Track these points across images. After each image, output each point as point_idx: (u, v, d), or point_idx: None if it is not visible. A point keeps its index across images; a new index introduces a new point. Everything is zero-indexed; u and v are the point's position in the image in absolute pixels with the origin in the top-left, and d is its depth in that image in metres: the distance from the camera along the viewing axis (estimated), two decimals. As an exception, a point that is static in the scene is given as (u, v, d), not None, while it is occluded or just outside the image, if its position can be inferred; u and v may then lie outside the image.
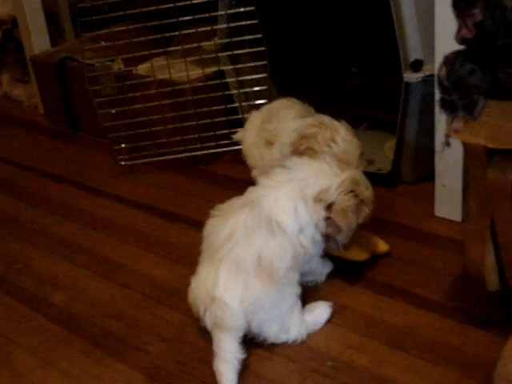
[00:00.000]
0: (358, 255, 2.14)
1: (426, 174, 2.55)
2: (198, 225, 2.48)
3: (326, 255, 2.09)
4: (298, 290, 1.89)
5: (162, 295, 2.16)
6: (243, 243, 1.82)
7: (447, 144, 1.54)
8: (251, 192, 2.01)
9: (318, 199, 1.91)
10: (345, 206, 1.92)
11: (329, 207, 1.91)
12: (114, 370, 1.88)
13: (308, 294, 2.01)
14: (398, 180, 2.63)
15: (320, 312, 1.95)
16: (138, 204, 2.72)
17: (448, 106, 1.47)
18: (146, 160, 2.95)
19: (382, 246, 2.20)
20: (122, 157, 2.97)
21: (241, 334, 1.78)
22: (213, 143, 2.91)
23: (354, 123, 2.98)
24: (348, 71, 3.37)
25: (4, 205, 2.88)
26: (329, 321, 1.96)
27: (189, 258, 2.29)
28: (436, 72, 1.60)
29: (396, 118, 2.50)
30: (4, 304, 2.23)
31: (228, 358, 1.73)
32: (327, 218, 1.91)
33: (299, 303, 1.89)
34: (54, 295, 2.24)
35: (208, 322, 1.78)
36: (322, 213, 1.91)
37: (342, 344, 1.87)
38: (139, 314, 2.10)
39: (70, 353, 1.97)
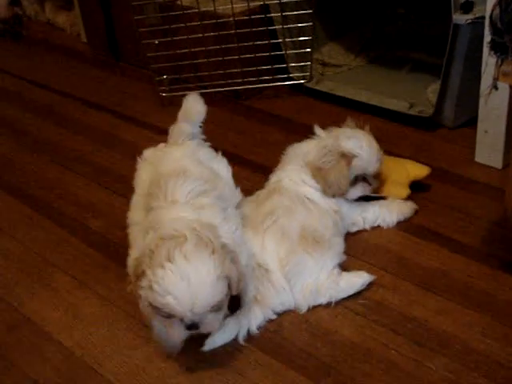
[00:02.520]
0: (398, 193, 2.14)
1: (468, 119, 2.52)
2: (236, 159, 2.51)
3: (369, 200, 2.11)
4: (338, 259, 1.90)
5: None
6: (285, 216, 1.88)
7: (495, 87, 1.51)
8: (271, 179, 2.08)
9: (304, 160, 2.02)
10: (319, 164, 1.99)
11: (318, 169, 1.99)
12: (150, 296, 1.92)
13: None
14: (439, 124, 2.60)
15: (357, 281, 1.87)
16: (178, 136, 2.72)
17: (498, 49, 1.44)
18: (187, 92, 2.92)
19: (422, 171, 2.19)
20: (163, 88, 2.97)
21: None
22: (254, 78, 2.89)
23: (397, 65, 2.98)
24: (395, 11, 3.30)
25: (46, 131, 2.91)
26: (361, 259, 1.98)
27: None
28: (488, 13, 1.56)
29: (440, 61, 2.46)
30: (44, 228, 2.28)
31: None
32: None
33: (337, 270, 1.87)
34: (92, 221, 2.28)
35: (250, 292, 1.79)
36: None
37: (375, 283, 1.88)
38: (175, 243, 2.13)
39: (107, 278, 2.01)
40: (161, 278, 1.50)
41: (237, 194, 1.97)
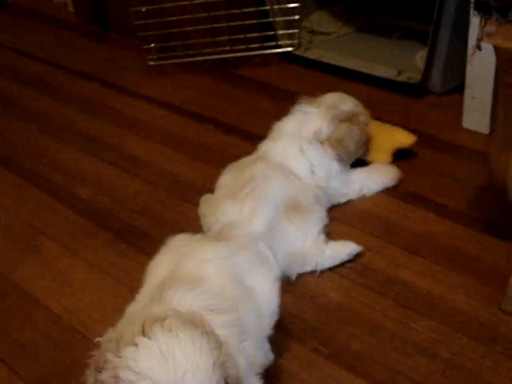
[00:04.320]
0: (379, 159, 2.15)
1: (456, 85, 2.51)
2: (224, 126, 2.52)
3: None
4: (321, 224, 1.90)
5: (186, 192, 2.19)
6: (265, 184, 1.87)
7: (478, 48, 1.51)
8: (259, 149, 2.04)
9: (318, 138, 1.99)
10: (339, 135, 1.99)
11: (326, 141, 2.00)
12: (137, 262, 1.92)
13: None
14: (426, 90, 2.60)
15: (342, 250, 1.86)
16: (166, 104, 2.73)
17: (482, 8, 1.43)
18: (175, 61, 2.93)
19: (407, 139, 2.20)
20: (151, 57, 2.95)
21: None
22: (243, 46, 2.88)
23: (386, 32, 2.97)
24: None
25: (33, 101, 2.90)
26: (348, 224, 1.99)
27: (213, 158, 2.33)
28: (472, -27, 1.55)
29: (429, 28, 2.45)
30: (33, 196, 2.28)
31: None
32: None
33: (322, 238, 1.87)
34: (80, 189, 2.28)
35: None
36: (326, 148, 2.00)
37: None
38: (163, 209, 2.14)
39: (95, 244, 2.02)
40: (131, 360, 1.08)
41: (267, 325, 1.48)
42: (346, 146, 2.00)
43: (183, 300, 1.29)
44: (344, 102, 2.05)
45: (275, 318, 1.50)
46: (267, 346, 1.49)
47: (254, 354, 1.37)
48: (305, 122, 2.03)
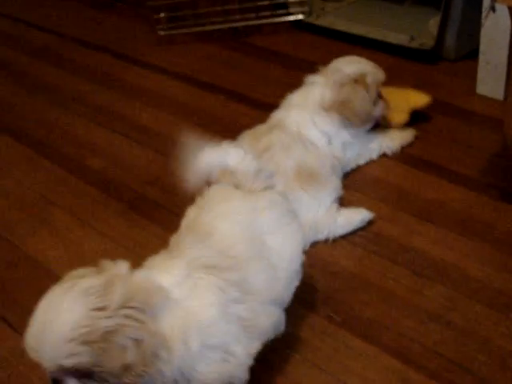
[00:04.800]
0: (397, 118, 2.14)
1: (470, 51, 2.48)
2: (235, 96, 2.50)
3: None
4: (336, 195, 1.88)
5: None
6: (282, 153, 1.85)
7: (493, 9, 1.48)
8: (273, 117, 2.01)
9: (323, 105, 1.96)
10: (342, 98, 1.95)
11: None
12: (150, 232, 1.93)
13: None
14: (440, 56, 2.56)
15: (355, 217, 1.85)
16: (176, 74, 2.71)
17: (496, -31, 1.41)
18: (185, 30, 2.91)
19: (423, 99, 2.18)
20: (160, 26, 2.93)
21: None
22: (253, 14, 2.85)
23: (399, -1, 2.93)
24: None
25: (43, 73, 2.89)
26: (360, 192, 1.97)
27: (225, 127, 2.31)
28: None
29: (443, -7, 2.42)
30: (44, 167, 2.28)
31: None
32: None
33: (335, 206, 1.86)
34: (91, 160, 2.28)
35: None
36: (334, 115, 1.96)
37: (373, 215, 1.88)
38: (175, 180, 2.10)
39: (106, 215, 2.02)
40: None
41: (283, 288, 1.44)
42: (351, 107, 1.96)
43: (190, 253, 1.31)
44: (349, 65, 2.01)
45: (296, 282, 1.48)
46: (280, 316, 1.47)
47: (253, 317, 1.32)
48: (311, 93, 2.01)
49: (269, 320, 1.39)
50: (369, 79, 1.99)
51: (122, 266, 1.24)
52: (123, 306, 1.12)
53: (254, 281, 1.34)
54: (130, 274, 1.22)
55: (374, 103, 2.02)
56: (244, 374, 1.31)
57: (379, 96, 2.04)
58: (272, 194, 1.49)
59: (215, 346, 1.23)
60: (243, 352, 1.29)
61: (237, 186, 1.47)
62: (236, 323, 1.29)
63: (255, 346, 1.34)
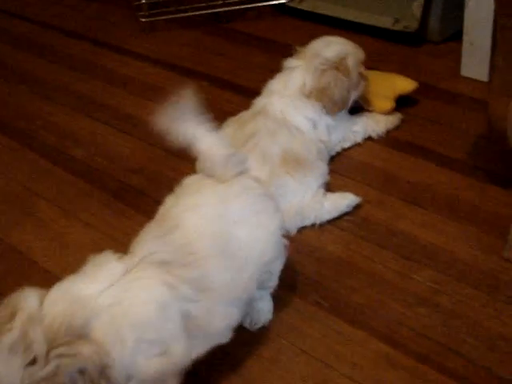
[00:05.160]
0: (382, 105, 2.11)
1: (454, 32, 2.47)
2: (219, 82, 2.48)
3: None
4: (322, 180, 1.87)
5: (183, 151, 2.14)
6: (267, 139, 1.84)
7: (476, -11, 1.47)
8: (256, 104, 1.98)
9: (303, 93, 1.93)
10: (322, 85, 1.92)
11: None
12: (135, 221, 1.91)
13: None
14: (424, 39, 2.55)
15: (341, 201, 1.84)
16: (159, 61, 2.69)
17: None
18: (167, 17, 2.88)
19: (409, 85, 2.17)
20: (142, 13, 2.90)
21: None
22: (236, 0, 2.83)
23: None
24: None
25: (24, 62, 2.86)
26: (346, 176, 1.97)
27: (210, 114, 2.29)
28: None
29: (427, -26, 2.41)
30: (27, 158, 2.25)
31: None
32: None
33: (322, 191, 1.85)
34: (75, 150, 2.25)
35: None
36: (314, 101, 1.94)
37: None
38: (159, 168, 2.11)
39: (91, 205, 2.00)
40: None
41: (251, 282, 1.37)
42: (329, 94, 1.93)
43: (147, 248, 1.29)
44: (328, 47, 1.97)
45: (271, 274, 1.45)
46: (267, 304, 1.45)
47: (206, 317, 1.27)
48: (291, 79, 1.98)
49: (224, 321, 1.33)
50: (349, 61, 1.97)
51: (31, 300, 1.17)
52: (51, 348, 1.08)
53: (214, 279, 1.28)
54: (41, 307, 1.15)
55: (356, 85, 2.01)
56: (177, 376, 1.25)
57: (361, 76, 2.03)
58: (244, 179, 1.43)
59: (153, 341, 1.19)
60: (181, 352, 1.23)
61: (210, 174, 1.42)
62: (180, 321, 1.23)
63: (199, 349, 1.29)
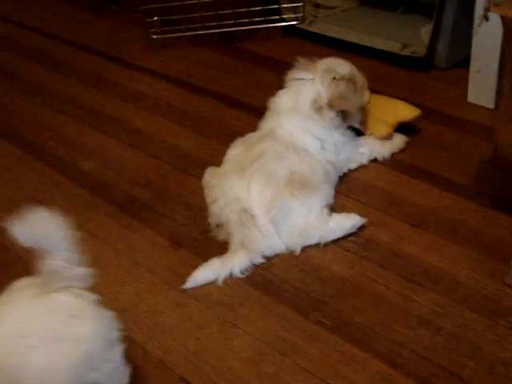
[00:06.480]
0: (378, 130, 2.12)
1: (462, 59, 2.49)
2: (227, 100, 2.51)
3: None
4: (326, 201, 1.88)
5: (189, 166, 2.18)
6: (274, 160, 1.85)
7: (486, 18, 1.49)
8: (262, 126, 2.01)
9: (316, 107, 1.96)
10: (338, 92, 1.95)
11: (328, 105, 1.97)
12: (141, 234, 1.93)
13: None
14: (432, 65, 2.58)
15: (346, 222, 1.85)
16: (169, 78, 2.71)
17: (489, -22, 1.42)
18: (179, 34, 2.91)
19: (411, 112, 2.18)
20: (154, 30, 2.93)
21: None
22: (246, 20, 2.86)
23: (391, 6, 2.94)
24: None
25: (36, 74, 2.88)
26: (352, 198, 1.98)
27: (216, 131, 2.33)
28: None
29: (434, 1, 2.43)
30: (35, 169, 2.27)
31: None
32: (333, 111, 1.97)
33: (326, 211, 1.85)
34: (83, 162, 2.27)
35: (236, 236, 1.79)
36: (327, 113, 1.96)
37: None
38: (166, 183, 2.13)
39: (98, 217, 2.02)
40: None
41: None
42: (349, 99, 1.98)
43: None
44: (341, 66, 2.02)
45: None
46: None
47: None
48: (301, 93, 2.00)
49: None
50: (359, 82, 2.02)
51: None
52: None
53: None
54: None
55: (360, 104, 2.05)
56: None
57: (365, 99, 2.08)
58: (64, 296, 1.26)
59: None
60: None
61: (41, 281, 1.26)
62: None
63: None
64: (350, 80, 1.99)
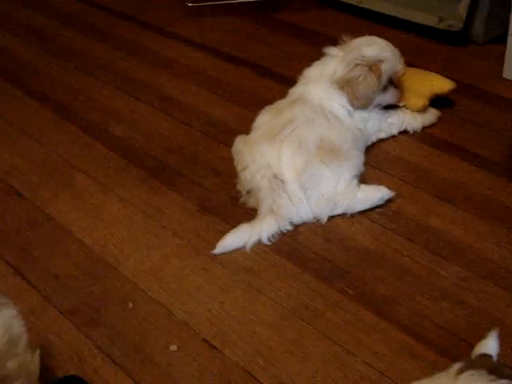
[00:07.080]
0: (414, 102, 2.10)
1: (499, 34, 2.46)
2: (259, 69, 2.51)
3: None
4: (357, 170, 1.88)
5: (220, 133, 2.19)
6: (304, 126, 1.85)
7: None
8: (293, 91, 2.00)
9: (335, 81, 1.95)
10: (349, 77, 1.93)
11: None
12: (169, 199, 1.95)
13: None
14: (468, 39, 2.55)
15: (375, 194, 1.84)
16: (202, 46, 2.72)
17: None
18: (213, 3, 2.91)
19: (446, 85, 2.15)
20: (189, -2, 2.94)
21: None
22: (282, -11, 2.85)
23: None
24: None
25: (71, 40, 2.91)
26: (381, 170, 1.98)
27: (248, 100, 2.33)
28: None
29: (474, -27, 2.40)
30: (68, 132, 2.30)
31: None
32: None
33: (355, 182, 1.85)
34: (115, 127, 2.30)
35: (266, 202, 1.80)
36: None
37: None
38: (196, 149, 2.15)
39: (127, 181, 2.04)
40: None
41: None
42: (353, 87, 1.93)
43: None
44: (370, 47, 1.97)
45: None
46: None
47: None
48: (326, 67, 1.99)
49: None
50: (384, 66, 1.96)
51: None
52: None
53: None
54: None
55: (384, 91, 2.00)
56: None
57: (394, 84, 2.02)
58: None
59: None
60: None
61: None
62: None
63: None
64: (369, 67, 1.94)
